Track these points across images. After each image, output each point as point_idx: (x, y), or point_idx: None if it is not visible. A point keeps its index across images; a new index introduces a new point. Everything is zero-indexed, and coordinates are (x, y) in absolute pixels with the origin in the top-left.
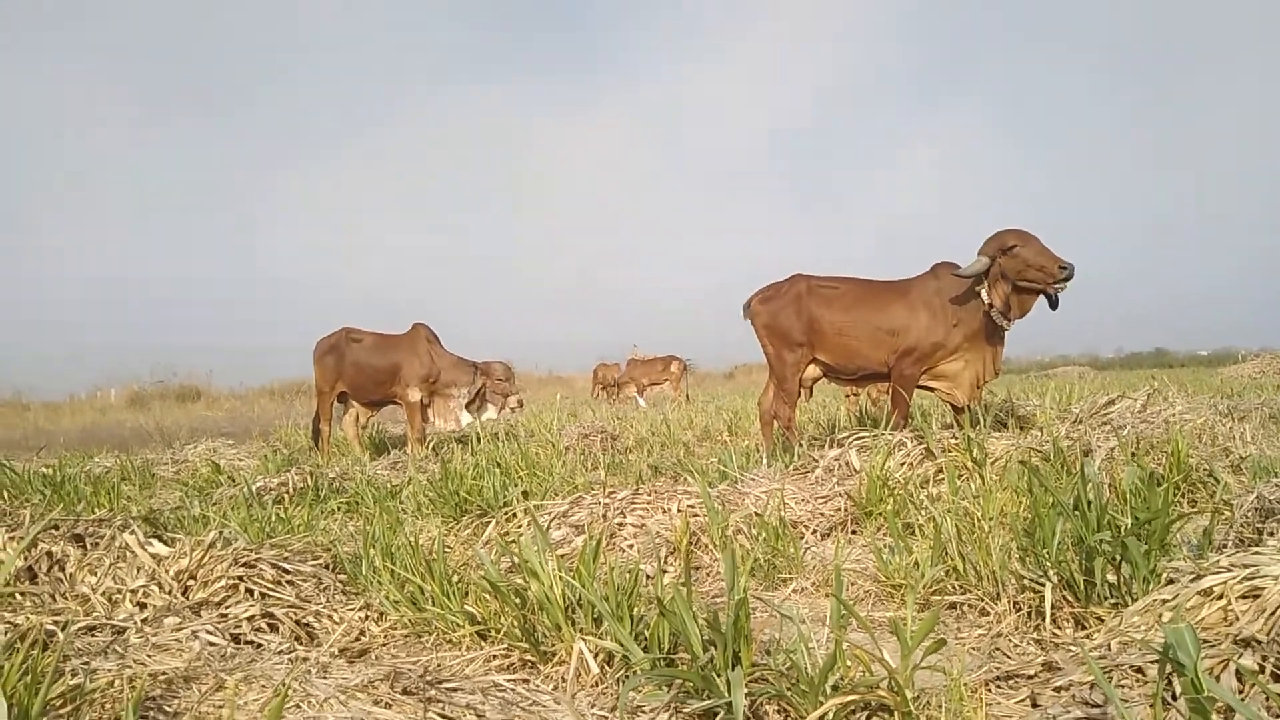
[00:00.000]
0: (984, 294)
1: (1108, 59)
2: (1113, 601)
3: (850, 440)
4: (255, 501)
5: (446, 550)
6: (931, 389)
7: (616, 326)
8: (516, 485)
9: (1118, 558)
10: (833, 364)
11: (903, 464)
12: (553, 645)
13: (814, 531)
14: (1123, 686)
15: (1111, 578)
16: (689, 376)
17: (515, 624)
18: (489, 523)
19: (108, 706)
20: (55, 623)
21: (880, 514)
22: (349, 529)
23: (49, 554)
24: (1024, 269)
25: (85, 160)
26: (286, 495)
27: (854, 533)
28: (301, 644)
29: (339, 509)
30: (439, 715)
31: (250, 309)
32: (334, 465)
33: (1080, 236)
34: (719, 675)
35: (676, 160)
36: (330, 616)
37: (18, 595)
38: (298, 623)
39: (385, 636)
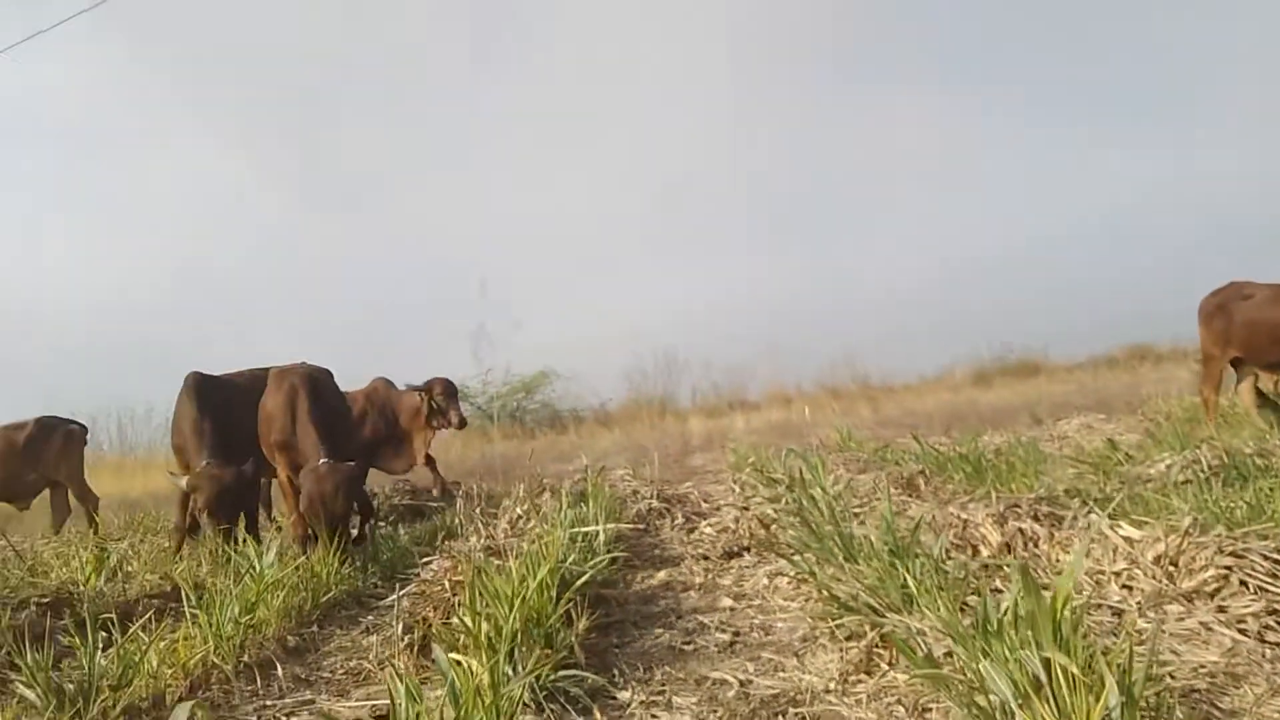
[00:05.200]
0: None
1: None
2: None
3: None
4: (1191, 482)
5: None
6: None
7: None
8: None
9: None
10: None
11: None
12: None
13: None
14: None
15: None
16: None
17: None
18: None
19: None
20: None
21: None
22: None
23: (1020, 531)
24: None
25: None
26: (1198, 475)
27: None
28: None
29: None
30: None
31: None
32: (1245, 440)
33: None
34: None
35: None
36: None
37: (1004, 567)
38: None
39: None
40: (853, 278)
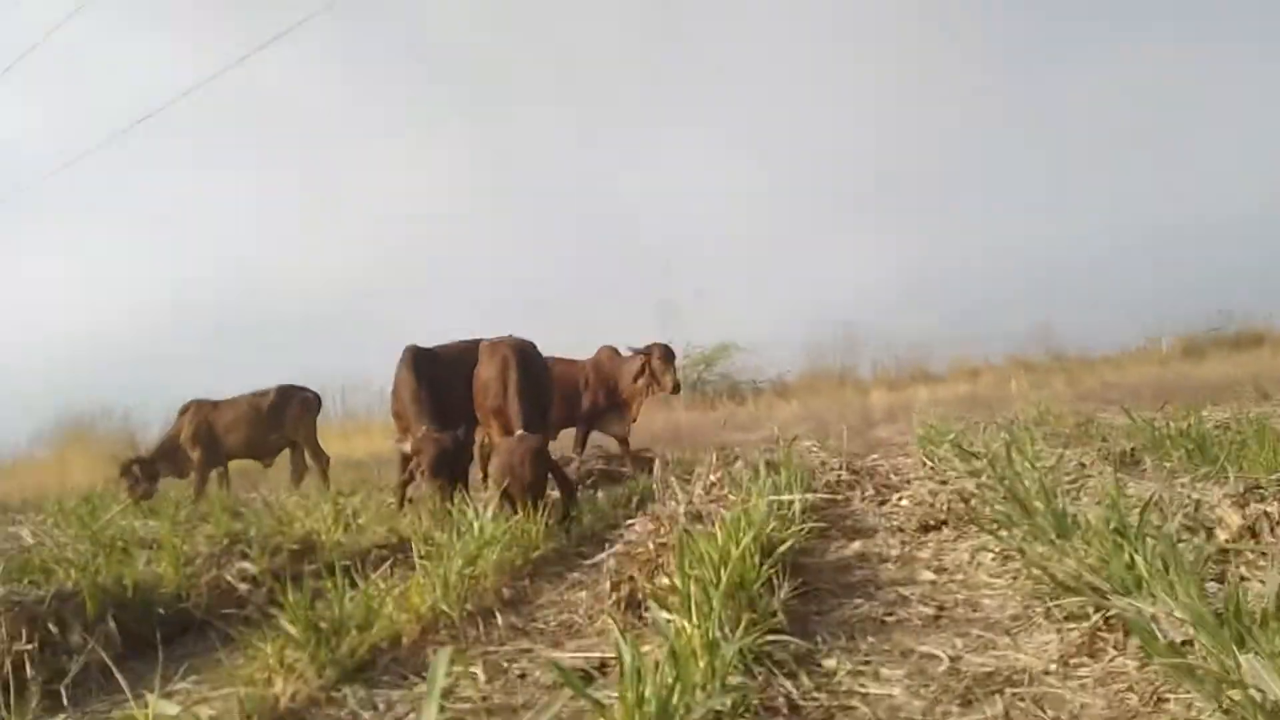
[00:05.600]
0: None
1: None
2: None
3: None
4: None
5: None
6: None
7: None
8: None
9: None
10: None
11: None
12: None
13: None
14: None
15: None
16: None
17: None
18: None
19: None
20: None
21: None
22: None
23: (1265, 514)
24: None
25: None
26: None
27: None
28: None
29: None
30: None
31: None
32: None
33: None
34: None
35: None
36: None
37: (1248, 553)
38: None
39: None
40: (1047, 244)
